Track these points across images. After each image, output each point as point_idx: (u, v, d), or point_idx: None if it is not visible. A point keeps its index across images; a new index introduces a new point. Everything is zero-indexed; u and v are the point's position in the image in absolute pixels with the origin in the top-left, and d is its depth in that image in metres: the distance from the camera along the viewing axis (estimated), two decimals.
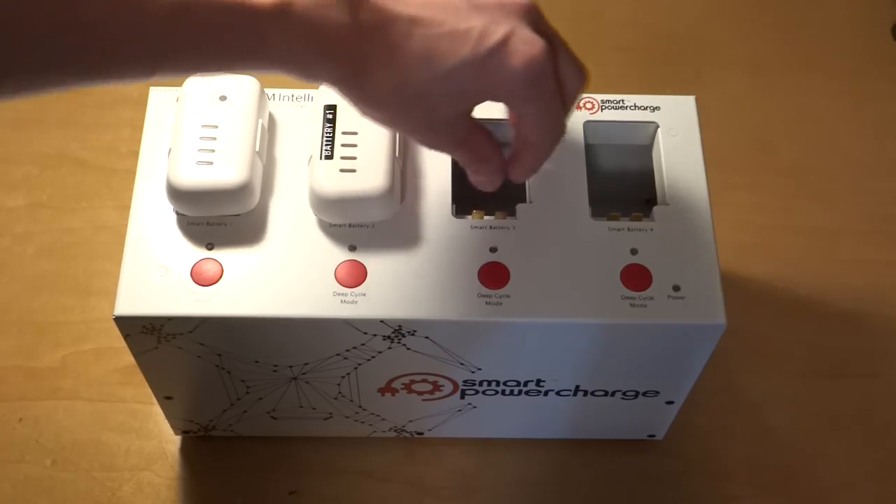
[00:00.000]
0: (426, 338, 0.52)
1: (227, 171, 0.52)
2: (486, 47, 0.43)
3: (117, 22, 0.39)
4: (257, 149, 0.53)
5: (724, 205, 0.59)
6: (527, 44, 0.43)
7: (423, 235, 0.53)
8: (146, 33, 0.39)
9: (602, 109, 0.57)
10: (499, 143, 0.48)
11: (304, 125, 0.56)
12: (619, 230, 0.53)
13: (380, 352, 0.54)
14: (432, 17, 0.43)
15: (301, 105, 0.57)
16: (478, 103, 0.46)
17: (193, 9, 0.40)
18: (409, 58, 0.43)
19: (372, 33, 0.43)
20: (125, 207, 0.54)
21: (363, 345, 0.53)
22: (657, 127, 0.57)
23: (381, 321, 0.51)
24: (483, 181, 0.49)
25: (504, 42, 0.43)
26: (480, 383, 0.57)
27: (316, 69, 0.43)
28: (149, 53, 0.40)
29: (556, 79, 0.45)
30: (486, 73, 0.43)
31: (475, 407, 0.60)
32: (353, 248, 0.52)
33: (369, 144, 0.53)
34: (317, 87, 0.55)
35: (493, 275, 0.52)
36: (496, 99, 0.45)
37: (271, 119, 0.56)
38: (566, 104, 0.46)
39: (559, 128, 0.47)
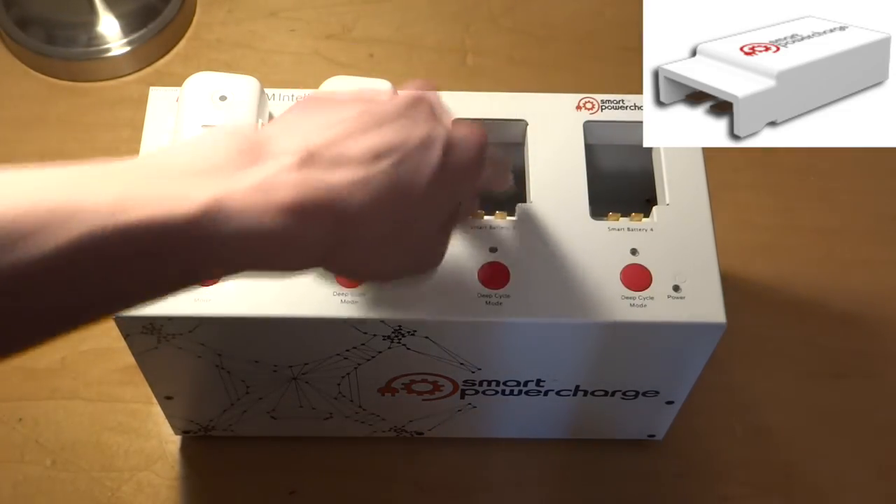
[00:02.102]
0: (426, 338, 0.52)
1: None
2: (438, 149, 0.43)
3: None
4: None
5: (724, 205, 0.59)
6: (463, 128, 0.44)
7: None
8: (40, 288, 0.35)
9: (602, 109, 0.57)
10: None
11: None
12: (619, 230, 0.53)
13: (380, 352, 0.54)
14: (383, 142, 0.42)
15: None
16: (457, 202, 0.46)
17: (94, 245, 0.35)
18: (383, 198, 0.41)
19: (334, 192, 0.40)
20: None
21: (363, 345, 0.53)
22: None
23: (381, 321, 0.51)
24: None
25: (448, 137, 0.43)
26: (480, 383, 0.57)
27: (281, 262, 0.40)
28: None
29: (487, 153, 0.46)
30: (451, 172, 0.43)
31: (475, 407, 0.60)
32: None
33: None
34: (317, 87, 0.55)
35: (493, 275, 0.52)
36: (470, 189, 0.47)
37: (271, 119, 0.56)
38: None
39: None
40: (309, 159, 0.40)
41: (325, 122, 0.42)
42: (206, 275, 0.40)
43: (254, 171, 0.39)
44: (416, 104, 0.44)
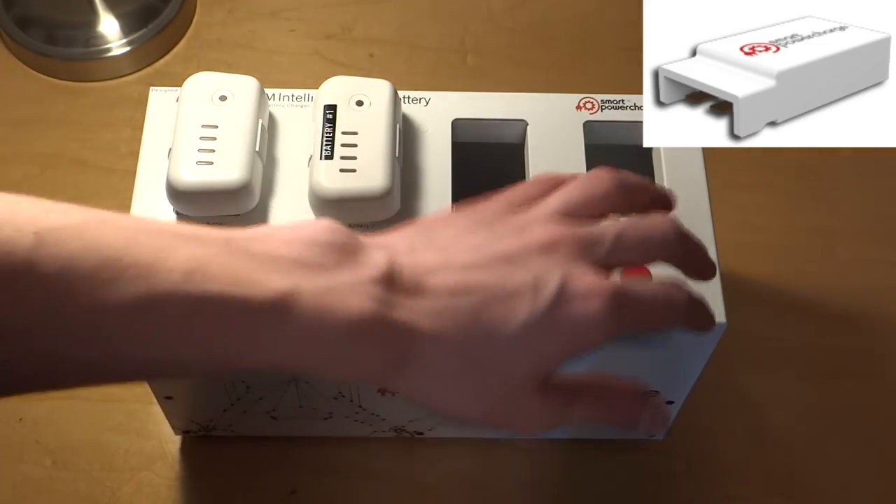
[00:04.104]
0: None
1: (227, 171, 0.52)
2: (545, 300, 0.39)
3: (61, 324, 0.35)
4: (257, 149, 0.53)
5: (724, 205, 0.59)
6: (585, 287, 0.40)
7: None
8: (104, 334, 0.35)
9: (602, 109, 0.57)
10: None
11: (304, 125, 0.56)
12: None
13: None
14: (476, 280, 0.39)
15: (301, 105, 0.57)
16: (558, 362, 0.41)
17: (160, 305, 0.35)
18: (458, 334, 0.39)
19: (406, 315, 0.38)
20: (125, 207, 0.54)
21: None
22: None
23: None
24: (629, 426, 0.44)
25: (561, 289, 0.39)
26: None
27: (336, 371, 0.38)
28: (116, 359, 0.36)
29: (632, 313, 0.41)
30: (554, 326, 0.39)
31: None
32: None
33: (369, 144, 0.53)
34: (317, 87, 0.55)
35: None
36: (578, 350, 0.41)
37: (271, 119, 0.56)
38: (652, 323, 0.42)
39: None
40: (389, 278, 0.38)
41: (432, 242, 0.41)
42: (264, 365, 0.38)
43: (334, 274, 0.38)
44: (547, 248, 0.41)
